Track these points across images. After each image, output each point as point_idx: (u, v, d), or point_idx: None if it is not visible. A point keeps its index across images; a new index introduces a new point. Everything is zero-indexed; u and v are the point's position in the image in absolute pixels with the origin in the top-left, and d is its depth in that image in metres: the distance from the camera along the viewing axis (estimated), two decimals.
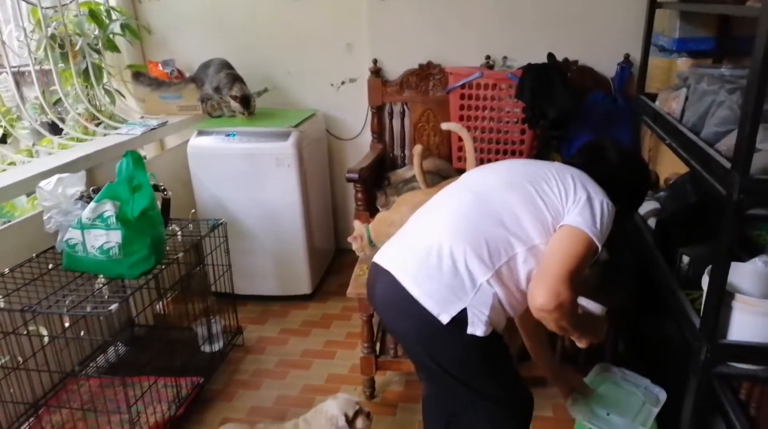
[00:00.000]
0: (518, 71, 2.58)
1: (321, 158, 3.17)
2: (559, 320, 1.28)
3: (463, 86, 2.64)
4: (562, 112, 2.43)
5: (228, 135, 2.76)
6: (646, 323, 2.16)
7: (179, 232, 2.28)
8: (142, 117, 3.05)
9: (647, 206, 2.17)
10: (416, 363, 1.70)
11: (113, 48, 2.97)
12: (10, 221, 2.19)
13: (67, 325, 1.91)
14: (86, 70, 2.83)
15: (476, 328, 1.29)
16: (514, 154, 2.70)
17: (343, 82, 3.17)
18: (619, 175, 1.52)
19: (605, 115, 2.66)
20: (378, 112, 3.02)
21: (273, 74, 3.18)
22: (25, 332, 1.86)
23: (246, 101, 2.82)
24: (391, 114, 3.04)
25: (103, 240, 1.86)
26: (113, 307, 1.72)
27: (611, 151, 1.57)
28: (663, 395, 1.72)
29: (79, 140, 2.67)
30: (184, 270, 2.22)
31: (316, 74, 3.17)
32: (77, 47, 2.76)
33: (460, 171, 2.33)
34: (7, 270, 1.94)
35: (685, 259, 1.72)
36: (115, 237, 1.86)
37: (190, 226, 2.38)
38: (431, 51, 2.92)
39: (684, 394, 1.53)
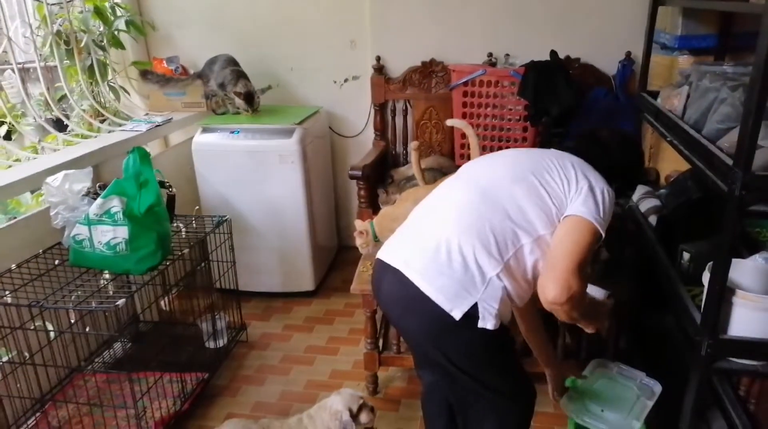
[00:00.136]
0: (521, 68, 2.59)
1: (324, 155, 3.18)
2: (571, 311, 1.32)
3: (466, 83, 2.66)
4: (565, 109, 2.44)
5: (232, 132, 2.77)
6: (648, 319, 2.17)
7: (183, 229, 2.29)
8: (146, 114, 3.07)
9: (648, 203, 2.18)
10: (421, 358, 1.73)
11: (118, 45, 2.98)
12: (15, 218, 2.22)
13: (73, 320, 1.93)
14: (91, 66, 2.84)
15: (487, 321, 1.31)
16: None
17: (346, 80, 3.18)
18: (612, 156, 1.56)
19: (607, 113, 2.67)
20: (381, 109, 3.04)
21: (276, 71, 3.19)
22: (32, 327, 1.87)
23: (249, 98, 2.83)
24: (393, 111, 3.05)
25: (110, 236, 1.88)
26: (120, 302, 1.74)
27: (603, 132, 1.62)
28: (658, 388, 1.73)
29: (83, 137, 2.69)
30: (189, 266, 2.24)
31: (319, 71, 3.18)
32: (82, 44, 2.77)
33: None
34: (14, 265, 1.95)
35: (686, 255, 1.73)
36: (122, 233, 1.88)
37: (194, 222, 2.40)
38: (434, 48, 2.93)
39: (684, 389, 1.54)
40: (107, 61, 2.98)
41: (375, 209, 2.61)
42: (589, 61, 2.81)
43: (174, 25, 3.21)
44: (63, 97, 2.84)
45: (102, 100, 2.95)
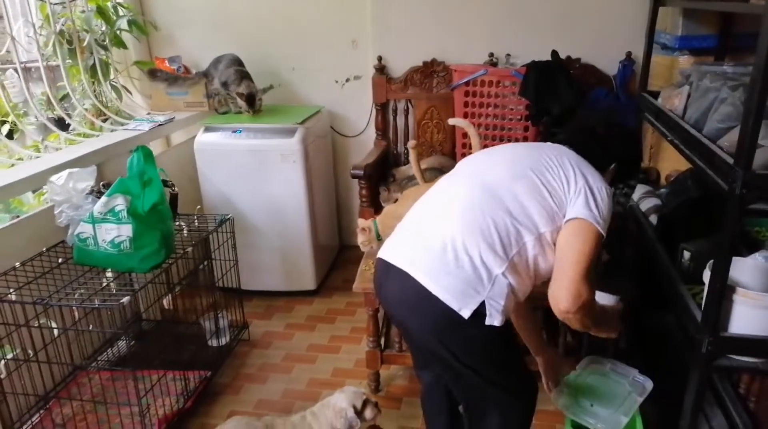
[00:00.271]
0: (522, 68, 2.60)
1: (325, 155, 3.20)
2: (584, 319, 1.35)
3: (467, 83, 2.67)
4: (566, 108, 2.45)
5: (234, 131, 2.79)
6: (648, 318, 2.18)
7: (185, 228, 2.30)
8: (148, 113, 3.08)
9: (649, 202, 2.19)
10: (422, 358, 1.74)
11: (120, 44, 2.99)
12: (19, 216, 2.23)
13: (77, 318, 1.94)
14: (93, 66, 2.86)
15: (494, 318, 1.33)
16: None
17: (347, 79, 3.19)
18: (608, 148, 1.57)
19: (607, 112, 2.68)
20: (382, 109, 3.05)
21: (278, 71, 3.20)
22: (37, 324, 1.88)
23: (251, 100, 2.84)
24: (395, 111, 3.07)
25: (114, 234, 1.89)
26: (125, 299, 1.75)
27: (599, 125, 1.63)
28: (649, 384, 1.75)
29: (85, 136, 2.70)
30: (191, 265, 2.25)
31: (320, 71, 3.19)
32: (85, 43, 2.78)
33: None
34: (18, 264, 1.96)
35: (687, 254, 1.75)
36: (126, 231, 1.89)
37: (196, 221, 2.41)
38: (435, 48, 2.94)
39: (684, 387, 1.55)
40: (109, 61, 2.99)
41: (377, 208, 2.63)
42: (589, 62, 2.82)
43: (176, 24, 3.22)
44: (65, 97, 2.85)
45: (104, 99, 2.96)
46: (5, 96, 2.50)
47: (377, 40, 3.00)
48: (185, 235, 2.28)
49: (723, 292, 1.38)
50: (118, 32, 2.97)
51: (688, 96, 1.81)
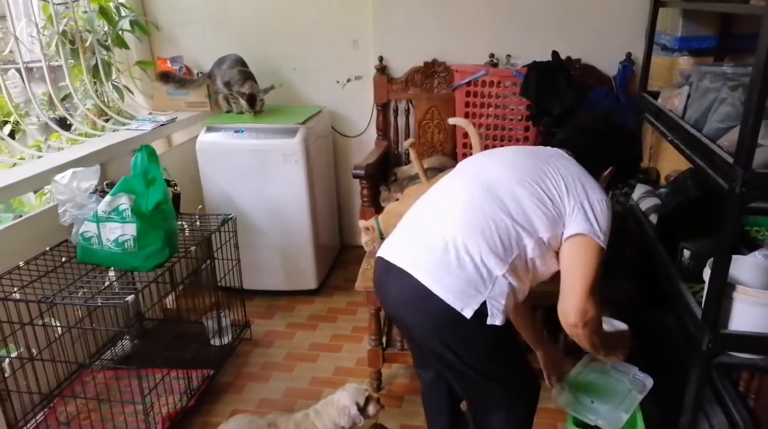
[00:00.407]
0: (523, 69, 2.61)
1: (327, 155, 3.21)
2: (592, 336, 1.40)
3: (468, 84, 2.68)
4: (566, 108, 2.47)
5: (236, 131, 2.80)
6: (648, 318, 2.20)
7: (186, 228, 2.31)
8: (150, 113, 3.09)
9: (649, 202, 2.21)
10: (422, 357, 1.76)
11: (122, 44, 3.01)
12: (21, 216, 2.24)
13: (82, 316, 1.95)
14: (95, 66, 2.87)
15: (495, 318, 1.34)
16: None
17: (348, 80, 3.20)
18: (606, 148, 1.59)
19: (607, 112, 2.70)
20: (383, 109, 3.07)
21: (280, 71, 3.22)
22: (41, 323, 1.89)
23: (252, 100, 2.85)
24: (396, 111, 3.08)
25: (119, 233, 1.90)
26: (129, 298, 1.76)
27: (594, 124, 1.65)
28: (650, 382, 1.76)
29: (87, 136, 2.71)
30: (194, 264, 2.26)
31: (322, 71, 3.21)
32: (87, 43, 2.79)
33: None
34: (22, 263, 1.97)
35: (687, 253, 1.76)
36: (130, 230, 1.90)
37: (198, 221, 2.42)
38: (436, 49, 2.96)
39: (685, 385, 1.56)
40: (111, 61, 3.01)
41: (378, 208, 2.64)
42: (589, 62, 2.84)
43: (177, 25, 3.23)
44: (66, 97, 2.86)
45: (106, 99, 2.97)
46: (8, 96, 2.51)
47: (378, 41, 3.01)
48: (187, 234, 2.29)
49: (723, 289, 1.39)
50: (120, 32, 2.98)
51: (688, 96, 1.83)
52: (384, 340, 2.29)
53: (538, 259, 1.41)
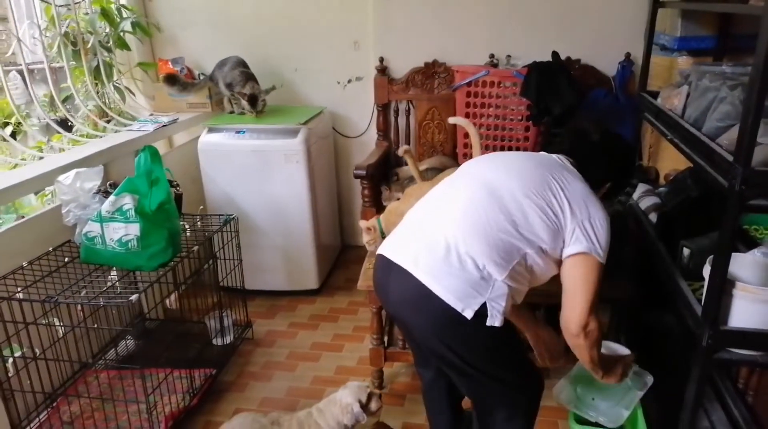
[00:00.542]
0: (523, 69, 2.63)
1: (327, 155, 3.22)
2: (591, 348, 1.48)
3: (469, 84, 2.69)
4: (567, 108, 2.48)
5: (238, 132, 2.81)
6: (649, 316, 2.21)
7: (188, 228, 2.32)
8: (151, 114, 3.10)
9: (648, 201, 2.22)
10: (423, 356, 1.77)
11: (123, 46, 3.02)
12: (24, 217, 2.25)
13: (85, 316, 1.95)
14: (97, 67, 2.88)
15: (494, 319, 1.36)
16: (518, 150, 2.75)
17: (349, 80, 3.22)
18: (605, 158, 1.64)
19: (607, 112, 2.72)
20: (384, 110, 3.08)
21: (281, 72, 3.23)
22: (45, 322, 1.90)
23: (253, 101, 2.86)
24: (396, 112, 3.10)
25: (122, 232, 1.91)
26: (134, 297, 1.77)
27: (595, 135, 1.67)
28: (650, 379, 1.77)
29: (89, 136, 2.72)
30: (197, 264, 2.28)
31: (322, 72, 3.22)
32: (89, 45, 2.80)
33: None
34: (25, 263, 1.98)
35: (686, 251, 1.77)
36: (134, 230, 1.91)
37: (199, 222, 2.43)
38: (436, 50, 2.98)
39: (685, 383, 1.57)
40: (113, 62, 3.01)
41: (379, 208, 2.65)
42: (589, 63, 2.86)
43: (178, 26, 3.24)
44: (67, 98, 2.87)
45: (107, 100, 2.98)
46: (11, 97, 2.52)
47: (379, 42, 3.03)
48: (188, 234, 2.30)
49: (723, 286, 1.40)
50: (121, 34, 3.00)
51: (688, 95, 1.84)
52: (386, 339, 2.30)
53: (536, 266, 1.44)
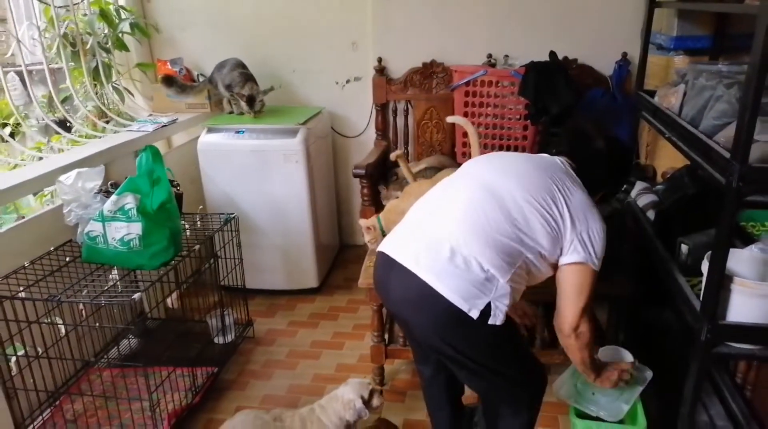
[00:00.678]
0: (521, 69, 2.65)
1: (326, 155, 3.23)
2: (582, 349, 1.56)
3: (467, 84, 2.71)
4: (564, 108, 2.50)
5: (237, 132, 2.82)
6: (647, 312, 2.24)
7: (188, 228, 2.33)
8: (150, 115, 3.11)
9: (646, 199, 2.24)
10: (423, 354, 1.79)
11: (122, 47, 3.02)
12: (24, 217, 2.25)
13: (87, 315, 1.96)
14: (96, 68, 2.88)
15: (497, 318, 1.39)
16: (516, 149, 2.78)
17: (348, 81, 3.23)
18: (607, 162, 1.67)
19: (604, 112, 2.75)
20: (382, 109, 3.10)
21: (279, 72, 3.24)
22: (48, 321, 1.91)
23: (251, 101, 2.87)
24: (395, 112, 3.11)
25: (124, 232, 1.92)
26: (136, 295, 1.78)
27: (598, 140, 1.68)
28: (649, 374, 1.79)
29: (88, 137, 2.73)
30: (198, 263, 2.28)
31: (321, 72, 3.23)
32: (88, 46, 2.81)
33: None
34: (27, 262, 1.99)
35: (684, 247, 1.79)
36: (136, 229, 1.92)
37: (199, 222, 2.44)
38: (435, 50, 2.99)
39: (683, 378, 1.59)
40: (112, 63, 3.02)
41: (378, 207, 2.66)
42: (586, 62, 2.88)
43: (177, 27, 3.25)
44: (66, 99, 2.87)
45: (106, 101, 2.99)
46: (10, 98, 2.52)
47: (377, 42, 3.04)
48: (188, 234, 2.31)
49: (721, 281, 1.42)
50: (120, 35, 3.00)
51: (684, 94, 1.86)
52: (386, 336, 2.32)
53: (534, 269, 1.48)
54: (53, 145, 2.65)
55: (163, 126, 2.83)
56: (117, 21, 2.98)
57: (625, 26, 2.77)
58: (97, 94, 2.94)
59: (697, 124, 1.68)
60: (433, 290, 1.39)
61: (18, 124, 2.83)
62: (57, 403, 2.08)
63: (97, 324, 2.15)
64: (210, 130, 2.86)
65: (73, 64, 2.80)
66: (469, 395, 1.94)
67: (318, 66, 3.22)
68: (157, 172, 2.03)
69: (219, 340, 2.53)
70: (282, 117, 2.94)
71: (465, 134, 2.69)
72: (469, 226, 1.44)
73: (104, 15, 2.89)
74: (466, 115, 2.74)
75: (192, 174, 2.89)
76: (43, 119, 2.75)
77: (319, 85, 3.26)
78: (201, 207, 2.67)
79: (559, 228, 1.47)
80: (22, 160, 2.49)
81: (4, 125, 3.24)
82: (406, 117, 3.11)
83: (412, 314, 1.50)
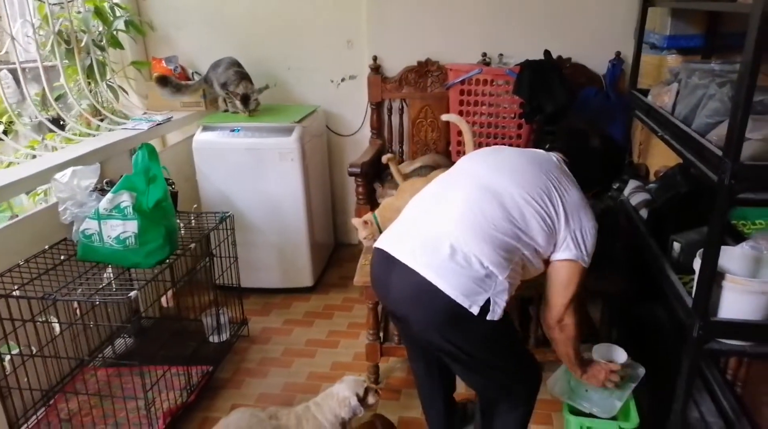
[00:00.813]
0: (516, 68, 2.66)
1: (321, 154, 3.24)
2: (567, 343, 1.61)
3: (462, 82, 2.72)
4: (559, 106, 2.52)
5: (232, 130, 2.82)
6: (639, 310, 2.25)
7: (183, 226, 2.33)
8: (144, 113, 3.10)
9: (639, 197, 2.26)
10: (418, 351, 1.80)
11: (117, 45, 3.01)
12: (18, 216, 2.24)
13: (81, 313, 1.96)
14: (90, 66, 2.87)
15: (495, 314, 1.41)
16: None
17: (343, 79, 3.24)
18: (601, 163, 1.71)
19: (598, 110, 2.76)
20: (377, 108, 3.10)
21: (274, 71, 3.24)
22: (43, 320, 1.91)
23: (245, 100, 2.87)
24: (390, 110, 3.12)
25: (120, 230, 1.92)
26: (133, 293, 1.78)
27: (593, 139, 1.72)
28: (642, 371, 1.81)
29: (82, 135, 2.72)
30: (193, 262, 2.28)
31: (316, 71, 3.24)
32: (82, 44, 2.80)
33: None
34: (21, 261, 1.98)
35: (677, 245, 1.81)
36: (132, 227, 1.92)
37: (194, 220, 2.44)
38: (430, 48, 3.00)
39: (676, 374, 1.61)
40: (106, 61, 3.01)
41: (373, 206, 2.67)
42: (580, 61, 2.90)
43: (172, 25, 3.24)
44: (60, 97, 2.86)
45: (100, 99, 2.98)
46: (4, 96, 2.51)
47: (372, 40, 3.05)
48: (182, 232, 2.30)
49: (713, 278, 1.44)
50: (115, 33, 2.99)
51: (677, 93, 1.88)
52: (381, 334, 2.33)
53: (528, 265, 1.51)
54: (47, 143, 2.64)
55: (157, 124, 2.82)
56: (112, 18, 2.97)
57: (619, 25, 2.79)
58: (91, 92, 2.93)
59: (690, 123, 1.70)
60: (434, 286, 1.40)
61: (11, 122, 2.82)
62: (51, 402, 2.07)
63: (92, 323, 2.15)
64: (205, 129, 2.86)
65: (67, 61, 2.79)
66: (461, 392, 1.95)
67: (313, 64, 3.22)
68: (153, 170, 2.03)
69: (214, 338, 2.53)
70: (277, 115, 2.95)
71: (460, 133, 2.70)
72: (468, 225, 1.45)
73: (99, 12, 2.88)
74: (461, 113, 2.75)
75: (187, 172, 2.89)
76: (37, 117, 2.73)
77: (314, 83, 3.26)
78: (196, 205, 2.67)
79: (554, 225, 1.49)
80: (16, 158, 2.48)
81: None
82: (401, 115, 3.12)
83: (411, 311, 1.51)
